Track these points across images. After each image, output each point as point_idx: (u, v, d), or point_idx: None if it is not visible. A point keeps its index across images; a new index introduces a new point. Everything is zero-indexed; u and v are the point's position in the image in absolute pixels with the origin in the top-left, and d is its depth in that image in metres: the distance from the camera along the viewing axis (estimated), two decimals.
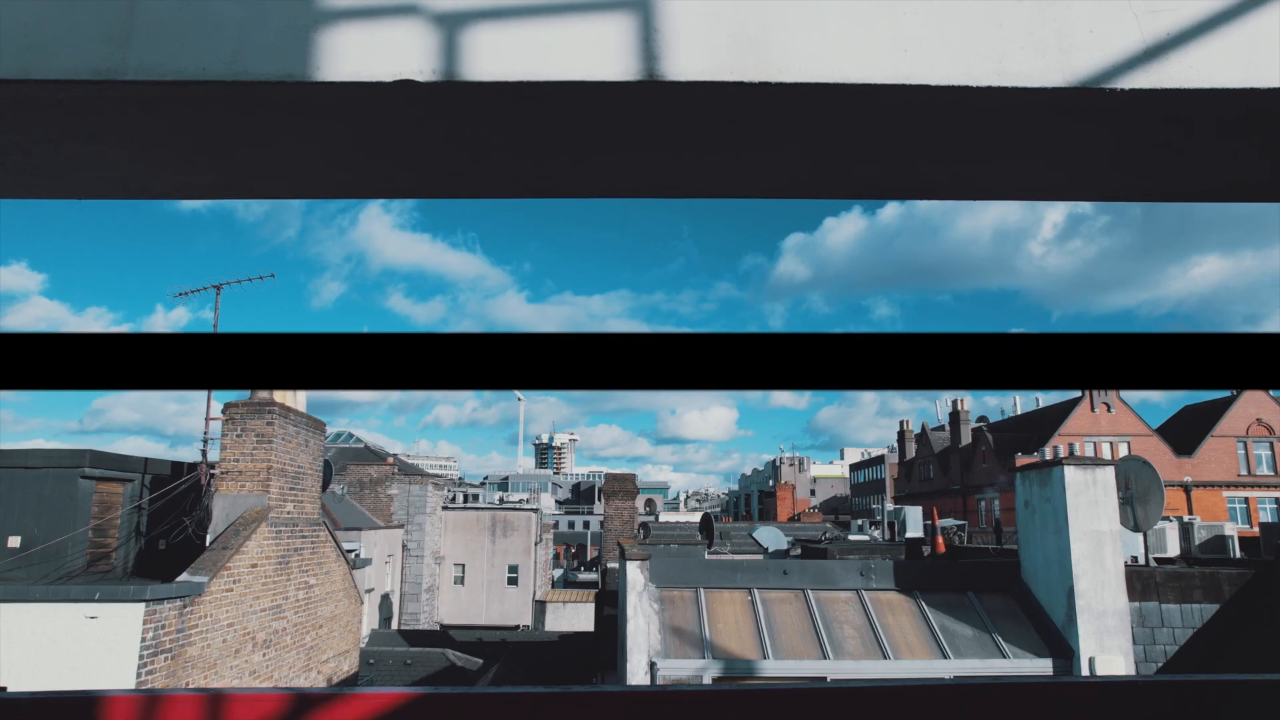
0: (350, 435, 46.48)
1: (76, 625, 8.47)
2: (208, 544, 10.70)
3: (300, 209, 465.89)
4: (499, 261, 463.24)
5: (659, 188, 1.89)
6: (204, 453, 12.23)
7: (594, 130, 1.67)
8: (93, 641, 8.41)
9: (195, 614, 9.43)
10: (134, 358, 1.26)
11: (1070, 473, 9.85)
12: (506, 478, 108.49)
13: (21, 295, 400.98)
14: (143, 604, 8.50)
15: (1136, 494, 10.89)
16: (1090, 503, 9.76)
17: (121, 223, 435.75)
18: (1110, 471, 9.98)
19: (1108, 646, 9.36)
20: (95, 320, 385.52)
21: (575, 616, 31.68)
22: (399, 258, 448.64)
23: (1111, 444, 46.07)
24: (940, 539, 15.87)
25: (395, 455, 42.66)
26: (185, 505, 11.89)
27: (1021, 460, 44.34)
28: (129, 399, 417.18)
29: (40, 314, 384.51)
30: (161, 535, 11.76)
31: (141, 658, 8.44)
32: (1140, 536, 11.38)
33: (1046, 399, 56.19)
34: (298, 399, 12.60)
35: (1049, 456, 42.45)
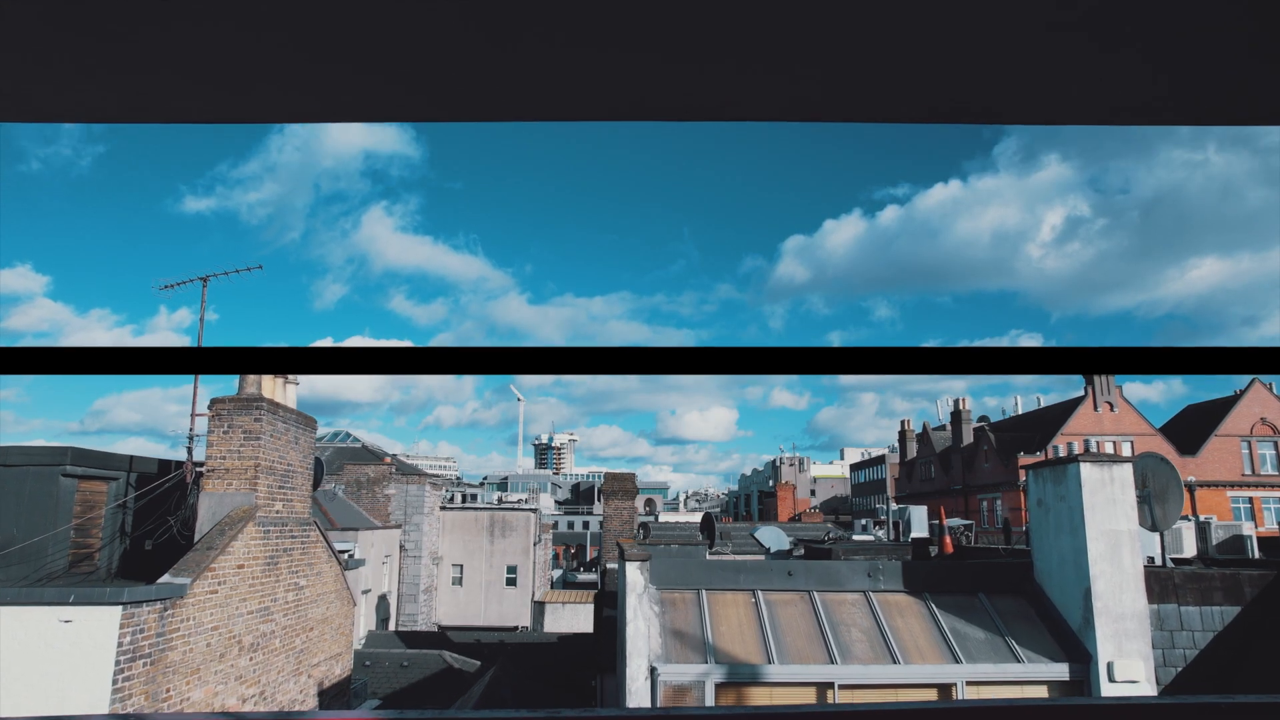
0: (347, 435, 46.13)
1: (51, 629, 8.10)
2: (195, 544, 10.33)
3: (304, 211, 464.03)
4: (500, 264, 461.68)
5: (646, 106, 1.52)
6: (189, 450, 11.87)
7: (569, 26, 1.30)
8: (67, 646, 8.03)
9: (177, 617, 9.06)
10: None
11: (1087, 470, 9.48)
12: (506, 478, 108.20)
13: (26, 297, 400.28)
14: (119, 607, 8.12)
15: (1154, 492, 10.53)
16: (1107, 501, 9.40)
17: (124, 225, 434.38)
18: (1128, 469, 9.62)
19: (1127, 650, 8.99)
20: (99, 322, 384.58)
21: (574, 617, 31.37)
22: (401, 260, 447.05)
23: (1114, 443, 45.78)
24: (948, 539, 15.50)
25: (394, 455, 42.32)
26: (170, 504, 11.53)
27: (1024, 459, 44.06)
28: (130, 400, 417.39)
29: (44, 315, 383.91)
30: (147, 535, 11.39)
31: (118, 663, 8.06)
32: (1156, 536, 11.02)
33: (1048, 399, 55.91)
34: (287, 395, 12.23)
35: (1052, 456, 42.10)
